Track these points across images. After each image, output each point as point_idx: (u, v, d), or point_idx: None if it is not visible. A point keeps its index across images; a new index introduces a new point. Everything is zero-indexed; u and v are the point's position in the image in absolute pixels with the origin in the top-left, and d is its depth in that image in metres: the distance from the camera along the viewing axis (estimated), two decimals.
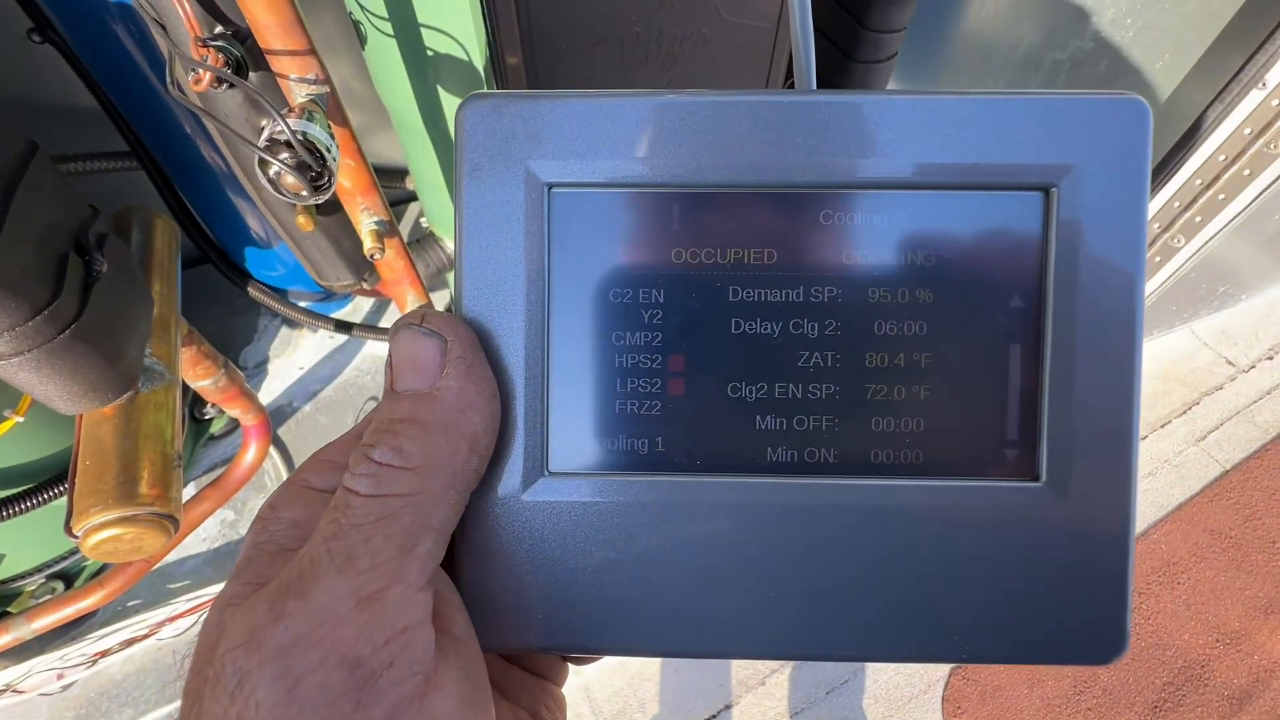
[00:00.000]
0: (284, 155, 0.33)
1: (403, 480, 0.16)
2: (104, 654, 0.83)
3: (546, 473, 0.19)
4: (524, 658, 0.21)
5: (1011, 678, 0.98)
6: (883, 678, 0.98)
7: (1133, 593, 0.19)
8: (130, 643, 0.84)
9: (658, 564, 0.19)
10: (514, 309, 0.19)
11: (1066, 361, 0.18)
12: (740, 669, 0.96)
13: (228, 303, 1.09)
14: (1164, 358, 1.24)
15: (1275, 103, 0.63)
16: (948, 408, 0.19)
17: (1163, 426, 1.21)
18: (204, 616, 0.85)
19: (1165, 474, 1.17)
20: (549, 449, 0.19)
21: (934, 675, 0.98)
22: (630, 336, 0.19)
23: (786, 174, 0.18)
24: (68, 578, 0.80)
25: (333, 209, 0.52)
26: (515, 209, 0.19)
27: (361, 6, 0.51)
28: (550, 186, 0.19)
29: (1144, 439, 1.20)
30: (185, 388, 0.69)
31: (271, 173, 0.34)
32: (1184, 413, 1.22)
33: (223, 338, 1.08)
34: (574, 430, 0.19)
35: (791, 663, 0.97)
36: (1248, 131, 0.66)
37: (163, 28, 0.34)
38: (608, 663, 0.95)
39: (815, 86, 0.21)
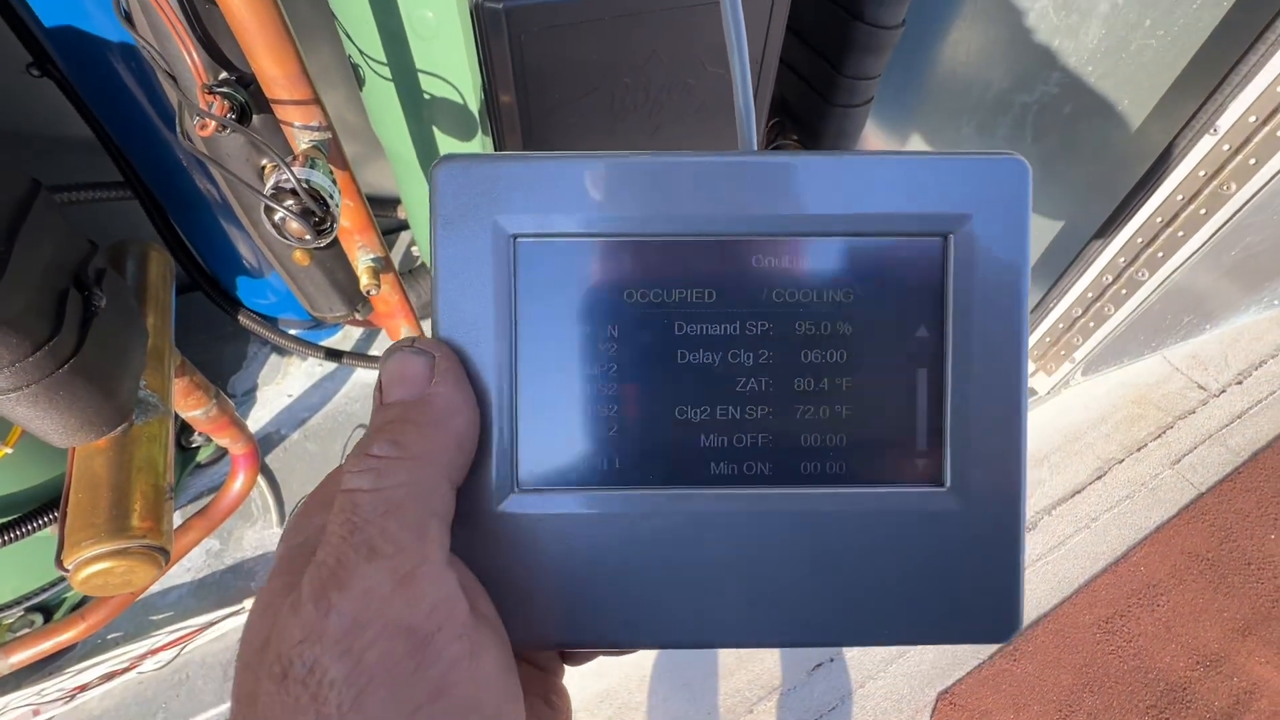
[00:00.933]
0: (289, 202, 0.35)
1: (403, 470, 0.18)
2: (83, 688, 0.81)
3: (517, 488, 0.21)
4: (524, 653, 0.23)
5: (998, 703, 0.99)
6: (870, 704, 0.98)
7: (1024, 580, 0.22)
8: (110, 676, 0.82)
9: (617, 567, 0.21)
10: (485, 345, 0.21)
11: (965, 382, 0.21)
12: (728, 697, 0.96)
13: (217, 330, 1.09)
14: (1138, 383, 1.27)
15: (1225, 147, 0.67)
16: (866, 425, 0.22)
17: (1139, 450, 1.23)
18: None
19: (1142, 497, 1.19)
20: (519, 467, 0.21)
21: (921, 701, 0.98)
22: (589, 367, 0.21)
23: (723, 225, 0.21)
24: (47, 610, 0.79)
25: (329, 243, 0.53)
26: (484, 256, 0.21)
27: (360, 51, 0.53)
28: (516, 237, 0.21)
29: (1121, 462, 1.22)
30: (174, 417, 0.69)
31: (277, 219, 0.36)
32: (1159, 436, 1.24)
33: (212, 365, 1.08)
34: (541, 451, 0.21)
35: (778, 692, 0.96)
36: (1202, 174, 0.69)
37: (174, 79, 0.36)
38: (594, 692, 0.94)
39: (756, 148, 0.24)
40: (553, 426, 0.21)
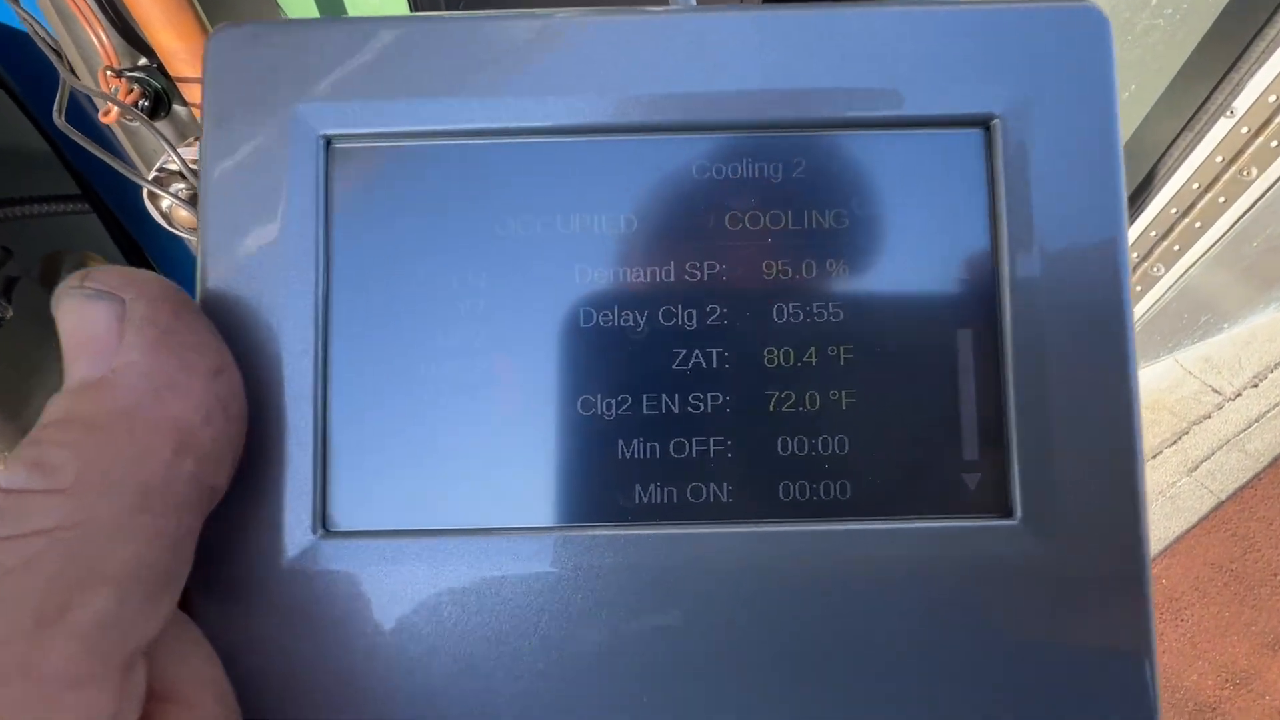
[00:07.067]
0: (177, 187, 0.31)
1: (47, 510, 0.11)
2: None
3: (323, 530, 0.14)
4: None
5: None
6: None
7: (1157, 650, 0.14)
8: None
9: (484, 658, 0.13)
10: (277, 301, 0.14)
11: (1034, 348, 0.13)
12: None
13: None
14: (1150, 388, 1.23)
15: (1244, 130, 0.63)
16: (879, 420, 0.14)
17: (1154, 457, 1.19)
18: None
19: (1161, 505, 1.14)
20: (329, 499, 0.14)
21: None
22: (443, 336, 0.14)
23: (645, 112, 0.14)
24: None
25: None
26: (279, 168, 0.14)
27: None
28: (330, 140, 0.14)
29: None
30: None
31: (164, 206, 0.31)
32: (1174, 442, 1.20)
33: None
34: (365, 471, 0.14)
35: None
36: (1219, 159, 0.65)
37: (59, 55, 0.31)
38: None
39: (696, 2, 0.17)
40: (384, 431, 0.14)
